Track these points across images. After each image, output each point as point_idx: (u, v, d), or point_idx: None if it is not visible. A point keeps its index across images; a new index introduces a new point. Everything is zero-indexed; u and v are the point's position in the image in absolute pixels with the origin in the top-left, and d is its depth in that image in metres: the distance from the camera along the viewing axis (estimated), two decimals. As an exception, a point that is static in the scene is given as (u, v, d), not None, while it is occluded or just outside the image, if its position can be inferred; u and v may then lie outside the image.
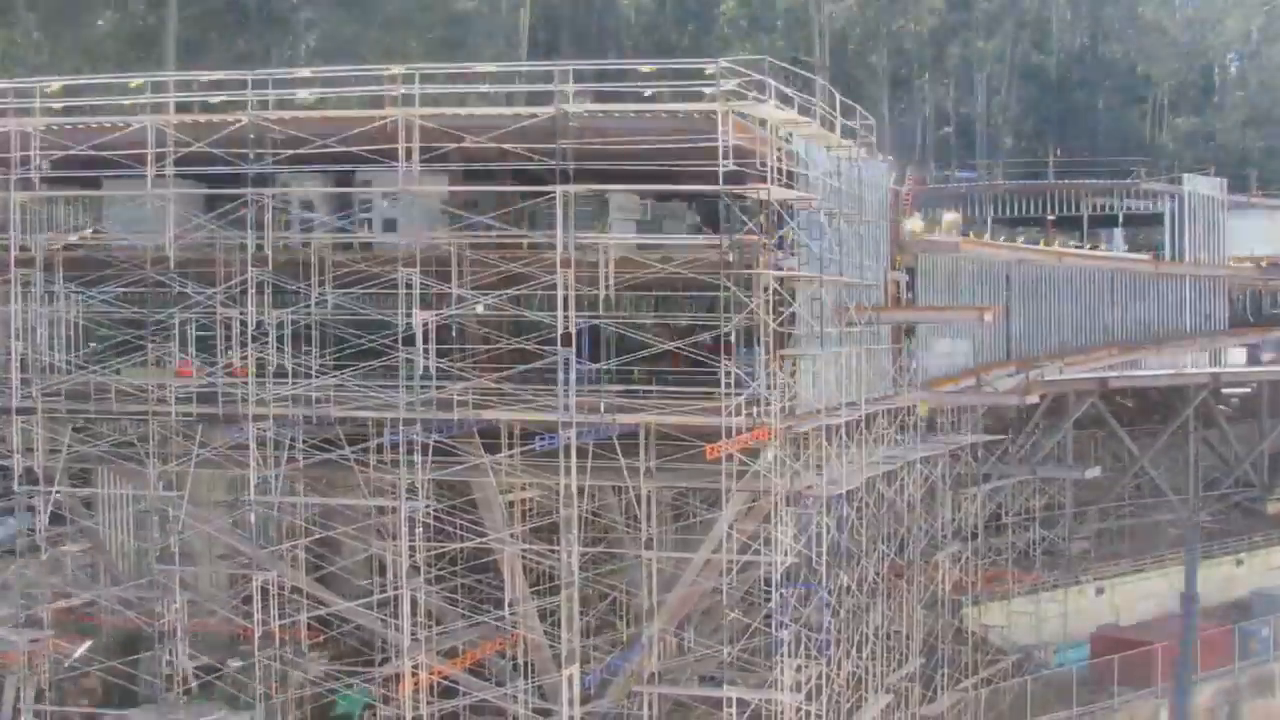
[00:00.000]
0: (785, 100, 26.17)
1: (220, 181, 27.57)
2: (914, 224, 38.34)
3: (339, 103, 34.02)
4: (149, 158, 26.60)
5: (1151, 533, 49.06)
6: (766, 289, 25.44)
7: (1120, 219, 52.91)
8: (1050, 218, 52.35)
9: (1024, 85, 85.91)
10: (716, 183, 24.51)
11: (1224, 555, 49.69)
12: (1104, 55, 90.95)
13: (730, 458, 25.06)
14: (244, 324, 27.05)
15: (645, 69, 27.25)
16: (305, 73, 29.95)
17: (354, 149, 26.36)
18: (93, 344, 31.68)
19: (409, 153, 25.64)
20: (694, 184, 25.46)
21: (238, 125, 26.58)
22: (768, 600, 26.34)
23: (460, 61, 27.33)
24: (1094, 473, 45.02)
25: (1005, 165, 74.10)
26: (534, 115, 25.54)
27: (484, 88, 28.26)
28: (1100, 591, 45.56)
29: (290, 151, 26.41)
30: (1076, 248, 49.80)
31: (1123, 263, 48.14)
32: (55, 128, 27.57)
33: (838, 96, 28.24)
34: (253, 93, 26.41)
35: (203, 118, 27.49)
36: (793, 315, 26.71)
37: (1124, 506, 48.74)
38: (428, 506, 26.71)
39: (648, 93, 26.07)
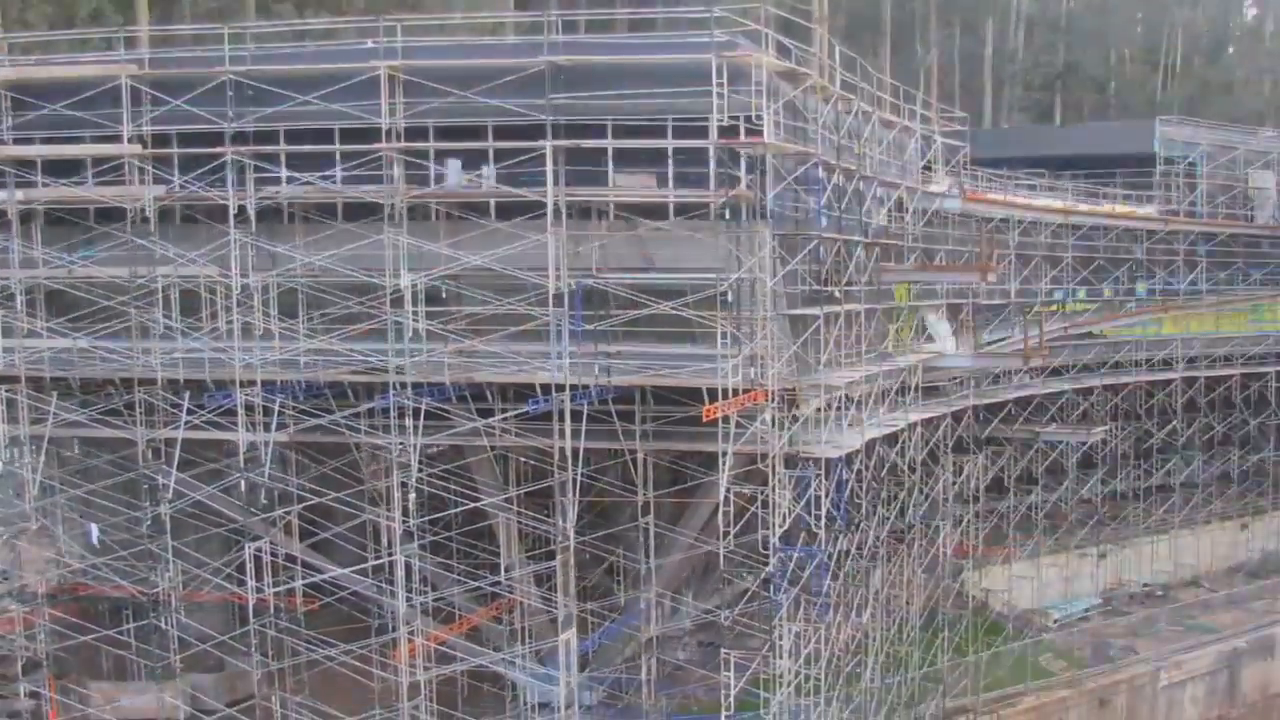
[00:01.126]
0: (782, 50, 25.62)
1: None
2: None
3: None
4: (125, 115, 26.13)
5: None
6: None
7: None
8: None
9: (1032, 35, 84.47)
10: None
11: (1228, 519, 49.41)
12: (1115, 4, 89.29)
13: (727, 420, 24.63)
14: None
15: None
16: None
17: (338, 106, 25.91)
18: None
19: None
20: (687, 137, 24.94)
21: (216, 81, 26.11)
22: (766, 564, 25.97)
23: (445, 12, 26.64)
24: (1099, 435, 44.62)
25: (1012, 116, 73.06)
26: (522, 67, 25.03)
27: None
28: (1103, 556, 45.28)
29: (271, 109, 25.91)
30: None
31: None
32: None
33: (837, 47, 27.62)
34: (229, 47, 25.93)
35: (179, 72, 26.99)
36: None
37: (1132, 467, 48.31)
38: (420, 472, 26.35)
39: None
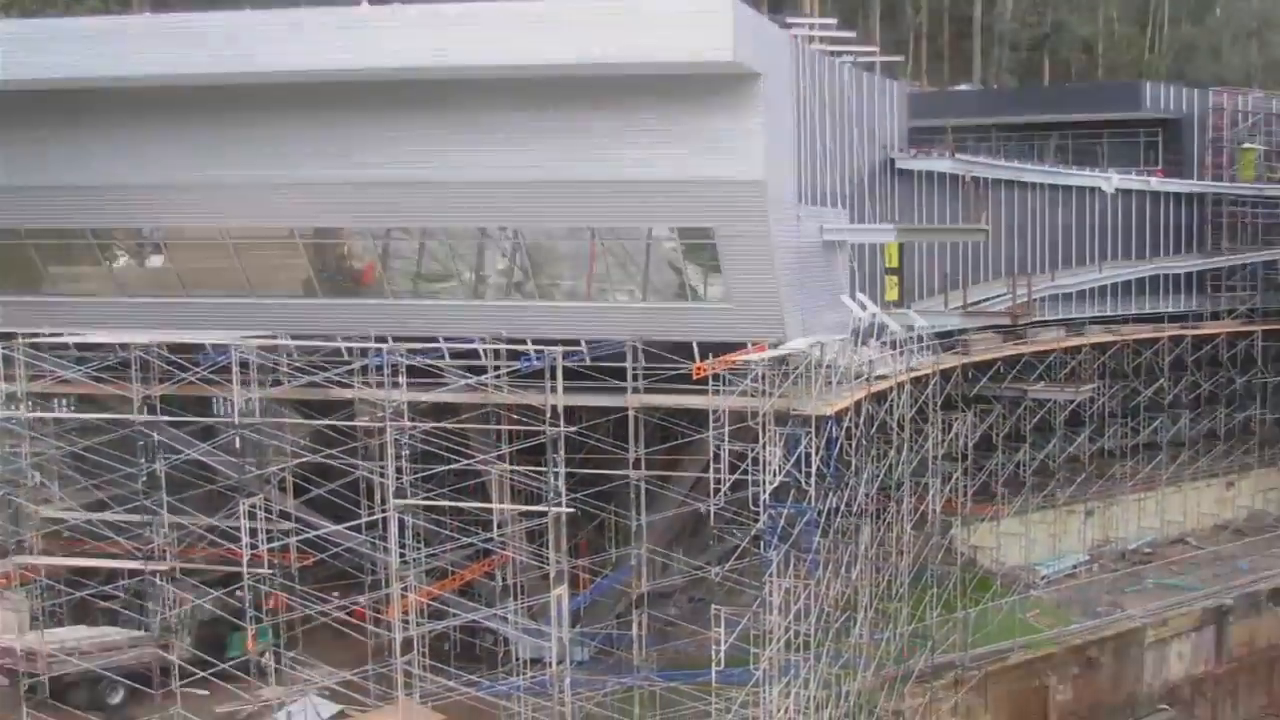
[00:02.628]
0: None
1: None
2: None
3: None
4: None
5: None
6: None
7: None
8: None
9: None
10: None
11: (1215, 477, 49.76)
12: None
13: (718, 377, 24.80)
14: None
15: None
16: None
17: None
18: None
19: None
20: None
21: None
22: (756, 521, 26.21)
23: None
24: (1086, 393, 44.83)
25: (1001, 77, 72.55)
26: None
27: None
28: (1091, 513, 45.63)
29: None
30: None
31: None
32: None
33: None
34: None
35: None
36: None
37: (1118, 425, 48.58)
38: (413, 429, 26.51)
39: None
